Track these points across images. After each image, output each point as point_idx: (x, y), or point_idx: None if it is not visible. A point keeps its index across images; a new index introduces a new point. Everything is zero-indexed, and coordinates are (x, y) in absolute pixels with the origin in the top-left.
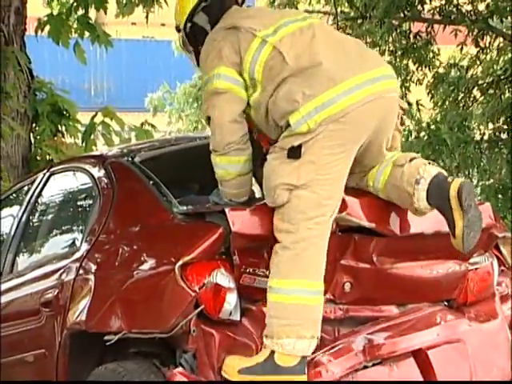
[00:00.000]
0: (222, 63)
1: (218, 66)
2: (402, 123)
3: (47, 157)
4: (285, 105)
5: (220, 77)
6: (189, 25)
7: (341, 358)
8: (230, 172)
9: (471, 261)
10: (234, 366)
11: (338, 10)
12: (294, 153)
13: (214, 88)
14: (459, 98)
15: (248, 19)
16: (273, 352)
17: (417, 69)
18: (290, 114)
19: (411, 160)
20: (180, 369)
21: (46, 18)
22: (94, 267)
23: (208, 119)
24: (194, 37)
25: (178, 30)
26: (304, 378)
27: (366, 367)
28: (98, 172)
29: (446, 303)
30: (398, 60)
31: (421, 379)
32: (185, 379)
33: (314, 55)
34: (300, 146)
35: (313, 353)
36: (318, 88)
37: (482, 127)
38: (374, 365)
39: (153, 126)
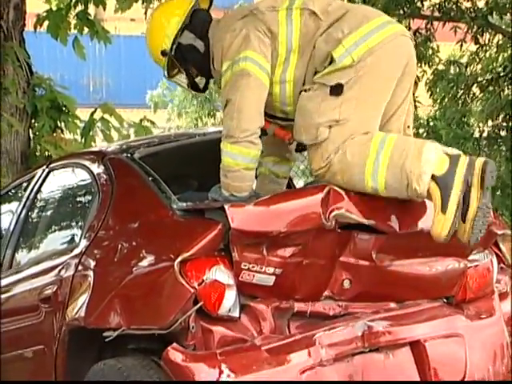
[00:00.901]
0: (250, 47)
1: (245, 50)
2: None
3: (46, 153)
4: (326, 46)
5: (247, 59)
6: (174, 47)
7: (339, 340)
8: (238, 163)
9: (470, 258)
10: None
11: None
12: (337, 90)
13: (241, 69)
14: (458, 94)
15: (260, 3)
16: None
17: (416, 65)
18: (333, 50)
19: None
20: (174, 344)
21: (45, 14)
22: (92, 263)
23: (225, 104)
24: (182, 57)
25: (165, 55)
26: None
27: (362, 352)
28: (97, 168)
29: (445, 300)
30: None
31: (415, 369)
32: (180, 355)
33: (341, 6)
34: (342, 84)
35: (312, 330)
36: (354, 24)
37: (481, 124)
38: (370, 351)
39: (152, 122)
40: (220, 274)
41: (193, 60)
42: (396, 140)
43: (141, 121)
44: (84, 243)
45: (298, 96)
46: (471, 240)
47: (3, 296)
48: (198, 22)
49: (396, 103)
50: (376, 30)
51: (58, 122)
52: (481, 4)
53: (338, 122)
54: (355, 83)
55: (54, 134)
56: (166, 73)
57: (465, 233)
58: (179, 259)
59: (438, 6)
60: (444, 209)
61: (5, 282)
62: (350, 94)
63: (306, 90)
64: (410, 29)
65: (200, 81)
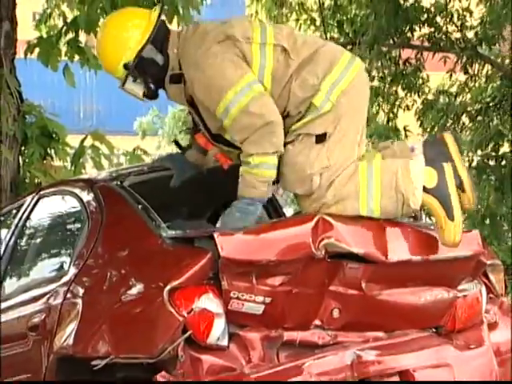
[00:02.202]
0: (247, 71)
1: (246, 75)
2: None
3: (36, 180)
4: (302, 93)
5: (256, 82)
6: (137, 60)
7: (328, 369)
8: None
9: (459, 288)
10: None
11: (328, 35)
12: (322, 137)
13: (259, 92)
14: (448, 124)
15: (231, 28)
16: None
17: (406, 95)
18: (312, 98)
19: (392, 143)
20: (163, 373)
21: (35, 41)
22: (81, 291)
23: (259, 127)
24: (143, 69)
25: (127, 68)
26: None
27: (351, 382)
28: (86, 196)
29: (434, 330)
30: (387, 86)
31: None
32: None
33: (305, 42)
34: (326, 132)
35: (301, 359)
36: (326, 67)
37: (470, 154)
38: (359, 380)
39: (145, 151)
40: (209, 302)
41: (151, 72)
42: (381, 164)
43: (134, 150)
44: (73, 271)
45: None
46: (473, 201)
47: None
48: (159, 35)
49: (364, 127)
50: (345, 71)
51: (48, 150)
52: (470, 35)
53: (328, 167)
54: (336, 127)
55: (44, 162)
56: (121, 84)
57: (467, 200)
58: (168, 287)
59: (427, 37)
60: (451, 216)
61: None
62: (334, 138)
63: (290, 143)
64: (400, 58)
65: (153, 90)
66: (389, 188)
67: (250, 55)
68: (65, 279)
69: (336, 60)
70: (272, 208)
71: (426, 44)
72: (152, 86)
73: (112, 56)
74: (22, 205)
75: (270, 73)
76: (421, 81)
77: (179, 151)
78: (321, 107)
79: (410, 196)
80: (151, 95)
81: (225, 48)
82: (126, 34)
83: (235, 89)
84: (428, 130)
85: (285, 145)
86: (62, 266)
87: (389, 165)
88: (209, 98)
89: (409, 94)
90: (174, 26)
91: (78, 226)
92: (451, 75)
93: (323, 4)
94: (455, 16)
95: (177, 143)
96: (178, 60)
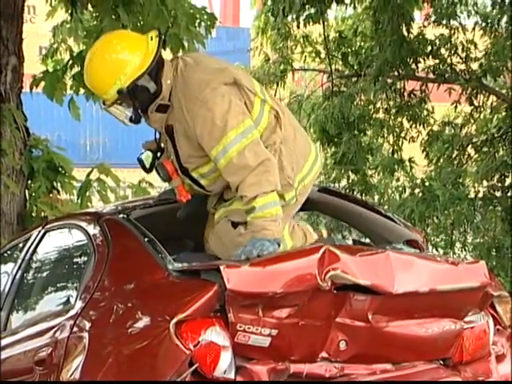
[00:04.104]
0: (247, 116)
1: (248, 119)
2: None
3: (42, 213)
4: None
5: (255, 128)
6: (131, 86)
7: None
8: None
9: (467, 319)
10: None
11: (333, 67)
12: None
13: (257, 138)
14: (453, 155)
15: (238, 75)
16: None
17: (411, 126)
18: (285, 192)
19: None
20: None
21: (41, 75)
22: (88, 325)
23: (258, 164)
24: (134, 95)
25: (119, 93)
26: None
27: None
28: (92, 229)
29: (441, 362)
30: (392, 118)
31: None
32: None
33: (291, 121)
34: None
35: None
36: (300, 162)
37: (476, 185)
38: None
39: (150, 184)
40: (215, 335)
41: (141, 99)
42: None
43: (139, 182)
44: (79, 304)
45: (222, 178)
46: None
47: None
48: (155, 64)
49: None
50: (310, 170)
51: (55, 183)
52: (475, 66)
53: None
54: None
55: (51, 195)
56: (104, 103)
57: None
58: (174, 320)
59: (432, 68)
60: None
61: None
62: None
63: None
64: (404, 90)
65: (139, 115)
66: None
67: (252, 106)
68: (71, 313)
69: (307, 155)
70: None
71: (431, 76)
72: (139, 111)
73: (106, 78)
74: (28, 238)
75: (260, 130)
76: (426, 112)
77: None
78: (288, 202)
79: None
80: (136, 120)
81: (232, 91)
82: (124, 58)
83: (237, 130)
84: (433, 161)
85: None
86: (68, 300)
87: None
88: (209, 135)
89: (414, 126)
90: None
91: (85, 259)
92: (456, 106)
93: (328, 36)
94: (460, 48)
95: (140, 162)
96: (170, 91)
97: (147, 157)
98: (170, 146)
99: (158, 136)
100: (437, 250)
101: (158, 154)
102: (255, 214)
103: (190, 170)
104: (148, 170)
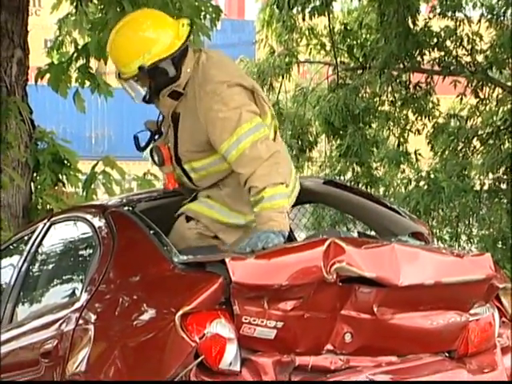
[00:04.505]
0: (257, 114)
1: (258, 118)
2: None
3: (48, 206)
4: None
5: (264, 125)
6: (153, 66)
7: None
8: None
9: (472, 312)
10: None
11: (338, 60)
12: None
13: (268, 133)
14: (459, 147)
15: (256, 85)
16: None
17: (416, 119)
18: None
19: None
20: None
21: (46, 67)
22: (93, 317)
23: (269, 156)
24: (153, 75)
25: (140, 69)
26: None
27: None
28: (98, 221)
29: (447, 354)
30: (397, 110)
31: None
32: None
33: (282, 144)
34: None
35: None
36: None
37: (481, 177)
38: None
39: (155, 176)
40: (221, 327)
41: (159, 81)
42: None
43: (144, 174)
44: (85, 297)
45: (212, 176)
46: None
47: (4, 350)
48: (180, 51)
49: None
50: (294, 188)
51: (60, 176)
52: (480, 58)
53: None
54: None
55: (56, 188)
56: (120, 76)
57: None
58: (180, 313)
59: (437, 61)
60: None
61: (5, 336)
62: None
63: None
64: (410, 82)
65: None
66: None
67: (265, 115)
68: (77, 305)
69: (291, 173)
70: None
71: (436, 68)
72: (153, 92)
73: (130, 51)
74: (33, 231)
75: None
76: (431, 105)
77: None
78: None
79: None
80: (149, 100)
81: (248, 95)
82: (153, 37)
83: (250, 124)
84: (439, 153)
85: None
86: (73, 292)
87: None
88: (222, 128)
89: (419, 118)
90: None
91: (90, 251)
92: (462, 99)
93: (333, 29)
94: (465, 40)
95: (136, 139)
96: (187, 80)
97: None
98: (172, 133)
99: (160, 119)
100: (442, 242)
101: (156, 137)
102: (263, 204)
103: (184, 161)
104: (141, 149)
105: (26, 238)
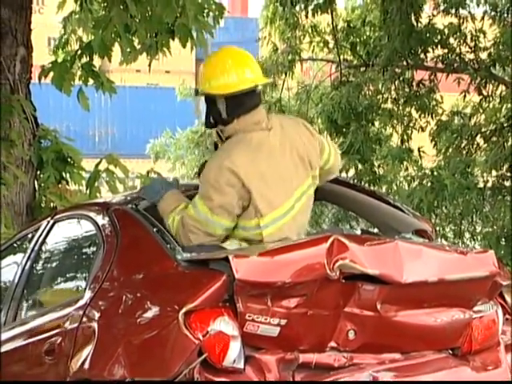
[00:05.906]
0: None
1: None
2: None
3: (51, 204)
4: None
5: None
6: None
7: None
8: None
9: (475, 309)
10: None
11: (342, 57)
12: None
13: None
14: (462, 145)
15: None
16: None
17: (420, 116)
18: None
19: None
20: None
21: (50, 65)
22: (97, 315)
23: None
24: (208, 105)
25: (196, 91)
26: None
27: None
28: (101, 219)
29: (450, 351)
30: (400, 108)
31: None
32: None
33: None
34: None
35: (317, 382)
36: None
37: (485, 174)
38: None
39: (158, 173)
40: (224, 325)
41: (210, 112)
42: None
43: (147, 172)
44: (89, 294)
45: None
46: None
47: (8, 348)
48: (233, 98)
49: None
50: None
51: (64, 174)
52: (484, 56)
53: None
54: None
55: (59, 186)
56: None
57: None
58: (183, 310)
59: (441, 58)
60: None
61: (9, 334)
62: None
63: None
64: (413, 80)
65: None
66: None
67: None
68: (80, 303)
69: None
70: None
71: (440, 65)
72: (211, 119)
73: (204, 73)
74: (37, 229)
75: None
76: (434, 102)
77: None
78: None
79: None
80: (208, 124)
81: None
82: (228, 70)
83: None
84: (442, 151)
85: None
86: (77, 290)
87: None
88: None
89: (423, 116)
90: (187, 50)
91: (94, 249)
92: (465, 96)
93: (336, 26)
94: (468, 37)
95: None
96: (230, 135)
97: None
98: None
99: None
100: (446, 239)
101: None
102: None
103: None
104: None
105: (29, 235)
